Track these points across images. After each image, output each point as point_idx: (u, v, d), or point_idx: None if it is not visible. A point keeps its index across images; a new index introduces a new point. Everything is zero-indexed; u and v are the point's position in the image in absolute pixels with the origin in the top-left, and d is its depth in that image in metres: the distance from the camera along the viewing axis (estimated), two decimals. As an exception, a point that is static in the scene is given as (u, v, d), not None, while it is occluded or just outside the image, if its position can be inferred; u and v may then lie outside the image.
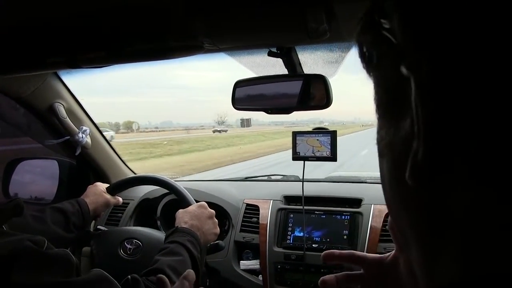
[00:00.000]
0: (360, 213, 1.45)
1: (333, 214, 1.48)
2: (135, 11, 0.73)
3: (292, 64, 0.98)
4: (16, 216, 0.78)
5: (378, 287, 0.49)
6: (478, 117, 0.22)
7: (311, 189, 1.55)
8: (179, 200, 1.30)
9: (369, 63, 0.29)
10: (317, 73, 0.98)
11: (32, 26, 0.78)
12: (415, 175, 0.24)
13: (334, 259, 0.53)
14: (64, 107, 1.50)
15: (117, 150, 1.83)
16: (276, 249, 1.46)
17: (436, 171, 0.24)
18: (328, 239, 1.44)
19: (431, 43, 0.23)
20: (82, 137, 1.56)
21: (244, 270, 1.50)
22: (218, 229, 1.20)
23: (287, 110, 1.03)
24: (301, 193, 1.45)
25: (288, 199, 1.59)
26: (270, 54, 0.95)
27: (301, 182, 1.46)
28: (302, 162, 1.43)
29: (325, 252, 0.53)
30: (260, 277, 1.47)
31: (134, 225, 1.63)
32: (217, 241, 1.25)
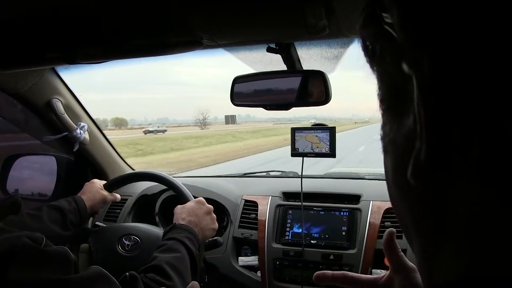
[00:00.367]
0: (358, 209, 1.45)
1: (331, 210, 1.48)
2: (133, 6, 0.72)
3: (291, 60, 0.97)
4: (13, 213, 0.78)
5: None
6: (481, 116, 0.21)
7: (310, 185, 1.55)
8: (177, 196, 1.30)
9: (372, 57, 0.29)
10: (316, 69, 0.98)
11: (28, 21, 0.77)
12: (417, 174, 0.24)
13: (326, 280, 0.52)
14: (62, 103, 1.49)
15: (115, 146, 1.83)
16: (275, 245, 1.46)
17: (438, 170, 0.23)
18: (326, 235, 1.44)
19: (431, 40, 0.22)
20: (80, 133, 1.55)
21: (243, 266, 1.50)
22: (217, 224, 1.20)
23: (285, 106, 1.03)
24: (300, 189, 1.45)
25: (287, 195, 1.59)
26: (269, 50, 0.95)
27: (300, 178, 1.46)
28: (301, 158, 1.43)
29: (317, 272, 0.53)
30: (259, 273, 1.47)
31: (132, 221, 1.63)
32: (215, 237, 1.25)
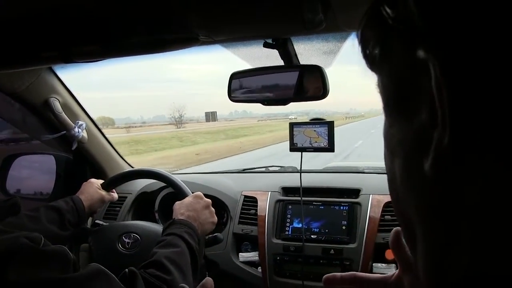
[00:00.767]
0: (358, 204, 1.45)
1: (331, 204, 1.48)
2: (130, 3, 0.72)
3: (288, 55, 0.97)
4: (12, 215, 0.78)
5: None
6: (506, 97, 0.20)
7: (309, 180, 1.55)
8: (176, 193, 1.30)
9: (375, 58, 0.28)
10: (313, 63, 0.97)
11: (23, 20, 0.77)
12: (439, 164, 0.23)
13: (335, 283, 0.51)
14: (59, 102, 1.49)
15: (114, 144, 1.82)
16: (275, 240, 1.47)
17: (461, 158, 0.22)
18: (326, 230, 1.44)
19: (454, 21, 0.22)
20: (78, 131, 1.55)
21: (243, 262, 1.50)
22: (216, 218, 1.20)
23: (283, 102, 1.02)
24: (299, 184, 1.45)
25: (286, 190, 1.59)
26: (266, 45, 0.94)
27: (299, 173, 1.46)
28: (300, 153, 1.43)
29: (326, 275, 0.51)
30: (259, 268, 1.48)
31: (132, 219, 1.63)
32: (215, 234, 1.25)
